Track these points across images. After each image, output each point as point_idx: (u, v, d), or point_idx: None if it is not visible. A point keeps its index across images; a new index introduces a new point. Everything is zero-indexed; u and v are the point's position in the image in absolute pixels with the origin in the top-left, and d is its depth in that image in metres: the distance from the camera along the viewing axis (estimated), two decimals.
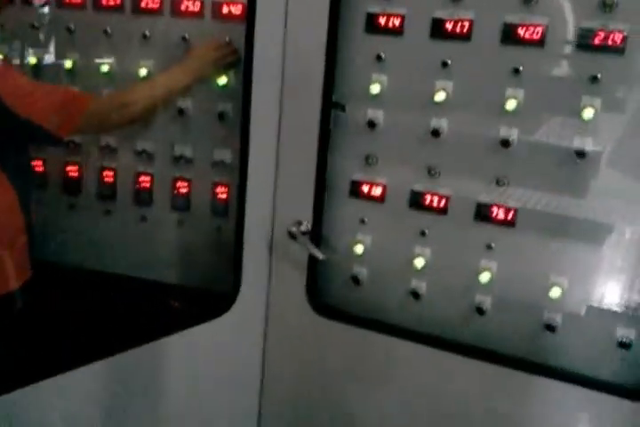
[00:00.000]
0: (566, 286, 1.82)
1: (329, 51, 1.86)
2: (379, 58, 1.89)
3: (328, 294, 2.09)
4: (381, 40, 1.87)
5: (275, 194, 2.01)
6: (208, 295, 2.16)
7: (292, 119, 1.95)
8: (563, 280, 1.82)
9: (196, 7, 2.13)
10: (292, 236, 1.97)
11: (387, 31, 1.86)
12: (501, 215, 1.83)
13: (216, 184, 2.25)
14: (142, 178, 2.32)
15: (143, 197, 2.33)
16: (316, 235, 2.01)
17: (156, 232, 2.34)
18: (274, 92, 1.93)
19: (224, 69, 2.14)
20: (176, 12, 2.16)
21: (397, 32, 1.86)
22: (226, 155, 2.21)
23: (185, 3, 2.14)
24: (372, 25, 1.87)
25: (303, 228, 1.98)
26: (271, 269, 2.07)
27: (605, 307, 1.79)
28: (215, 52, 2.11)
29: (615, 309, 1.78)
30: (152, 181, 2.31)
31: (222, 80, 2.16)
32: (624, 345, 1.76)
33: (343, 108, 1.95)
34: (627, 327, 1.76)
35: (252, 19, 1.90)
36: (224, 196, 2.24)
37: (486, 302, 1.90)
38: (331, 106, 1.92)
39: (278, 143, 1.97)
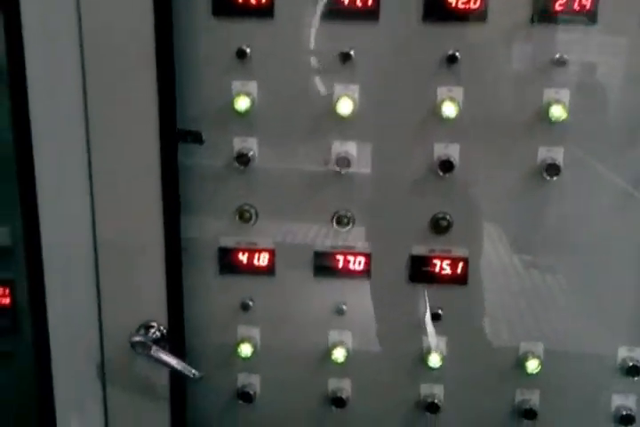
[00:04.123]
0: None
1: (161, 50, 1.25)
2: (241, 54, 1.29)
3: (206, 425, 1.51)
4: (242, 27, 1.29)
5: (98, 287, 1.37)
6: None
7: (110, 163, 1.32)
8: None
9: None
10: (140, 348, 1.33)
11: (248, 12, 1.28)
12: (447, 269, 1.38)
13: None
14: None
15: None
16: (178, 341, 1.40)
17: None
18: (74, 128, 1.29)
19: None
20: None
21: (265, 12, 1.27)
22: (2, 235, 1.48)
23: None
24: (223, 2, 1.28)
25: (155, 333, 1.37)
26: (107, 407, 1.43)
27: None
28: None
29: None
30: None
31: None
32: None
33: (198, 138, 1.33)
34: None
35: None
36: (6, 301, 1.50)
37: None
38: (176, 137, 1.32)
39: (93, 203, 1.34)
